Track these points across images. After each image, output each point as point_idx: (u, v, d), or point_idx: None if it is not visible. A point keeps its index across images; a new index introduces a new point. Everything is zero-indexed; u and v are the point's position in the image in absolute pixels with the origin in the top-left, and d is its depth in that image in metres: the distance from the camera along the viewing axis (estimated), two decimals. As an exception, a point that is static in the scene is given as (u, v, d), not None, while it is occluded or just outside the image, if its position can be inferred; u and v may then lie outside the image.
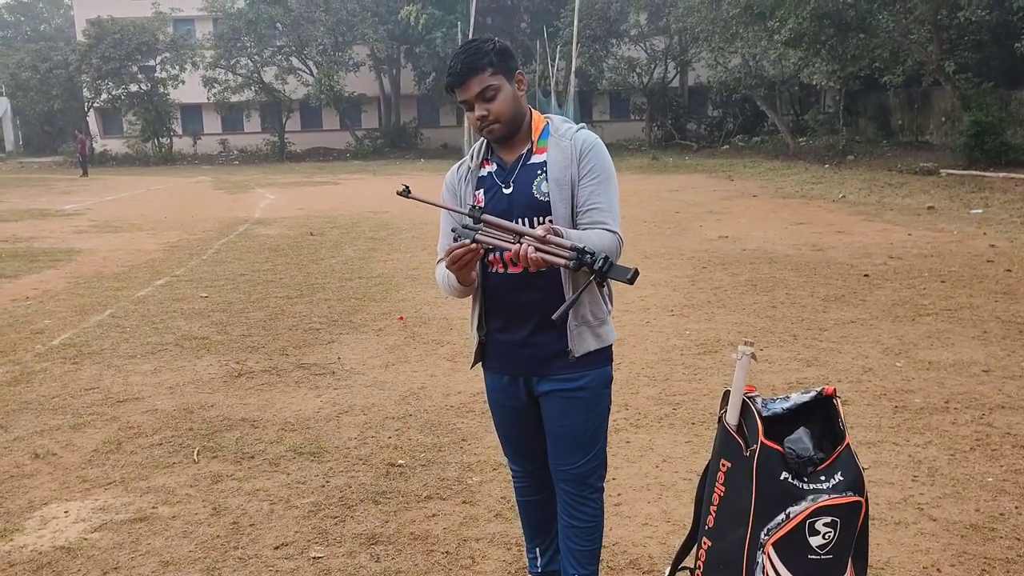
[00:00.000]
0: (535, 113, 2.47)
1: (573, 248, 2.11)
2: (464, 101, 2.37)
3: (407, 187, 2.27)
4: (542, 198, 2.37)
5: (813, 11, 20.59)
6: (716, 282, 8.10)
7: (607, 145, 2.49)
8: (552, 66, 34.09)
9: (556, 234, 2.16)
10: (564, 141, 2.41)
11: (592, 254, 2.09)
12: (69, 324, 7.17)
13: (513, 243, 2.16)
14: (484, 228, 2.21)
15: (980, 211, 12.64)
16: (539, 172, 2.39)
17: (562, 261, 2.12)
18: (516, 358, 2.50)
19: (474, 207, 2.24)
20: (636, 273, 2.10)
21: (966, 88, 20.41)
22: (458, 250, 2.21)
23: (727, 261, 9.21)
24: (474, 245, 2.21)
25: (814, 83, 26.03)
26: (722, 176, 21.27)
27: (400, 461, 4.08)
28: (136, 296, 8.33)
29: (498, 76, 2.35)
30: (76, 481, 3.96)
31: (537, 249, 2.12)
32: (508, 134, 2.41)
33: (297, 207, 17.19)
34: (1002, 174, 17.13)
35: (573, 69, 31.32)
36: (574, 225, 2.38)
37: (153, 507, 3.66)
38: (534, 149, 2.43)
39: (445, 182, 2.57)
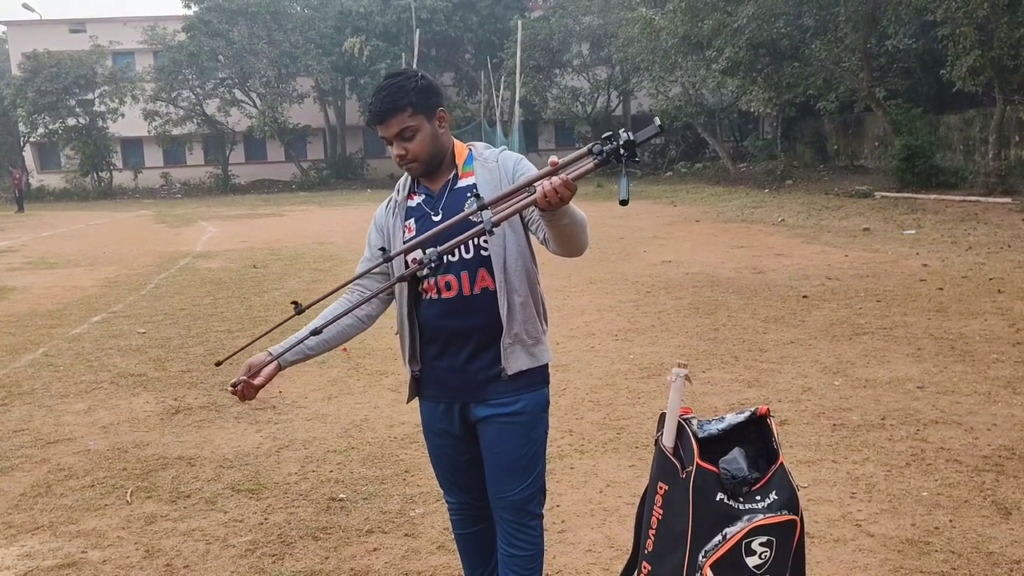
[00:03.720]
0: (458, 143, 2.49)
1: (589, 151, 2.03)
2: (384, 138, 2.39)
3: (297, 303, 2.31)
4: (476, 219, 2.37)
5: (748, 41, 21.15)
6: (660, 306, 8.18)
7: None
8: (497, 96, 34.45)
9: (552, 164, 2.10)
10: (490, 163, 2.44)
11: (609, 137, 2.01)
12: (-2, 364, 6.94)
13: (530, 195, 2.08)
14: (493, 211, 2.13)
15: (913, 232, 13.02)
16: (468, 195, 2.39)
17: (591, 164, 2.04)
18: (453, 384, 2.48)
19: (483, 206, 2.13)
20: (662, 125, 2.03)
21: (897, 113, 21.10)
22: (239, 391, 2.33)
23: (670, 285, 9.32)
24: (239, 388, 2.32)
25: (752, 110, 26.67)
26: (665, 202, 21.60)
27: (341, 495, 4.01)
28: (71, 334, 8.10)
29: (418, 116, 2.34)
30: (1, 527, 3.80)
31: (564, 183, 2.03)
32: (427, 171, 2.43)
33: (241, 240, 16.96)
34: (933, 196, 17.71)
35: (517, 99, 31.65)
36: (527, 233, 2.42)
37: (83, 552, 3.53)
38: (459, 174, 2.44)
39: (374, 218, 2.56)
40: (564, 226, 2.21)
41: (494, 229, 2.14)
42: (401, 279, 2.33)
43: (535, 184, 2.08)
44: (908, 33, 21.00)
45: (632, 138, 2.00)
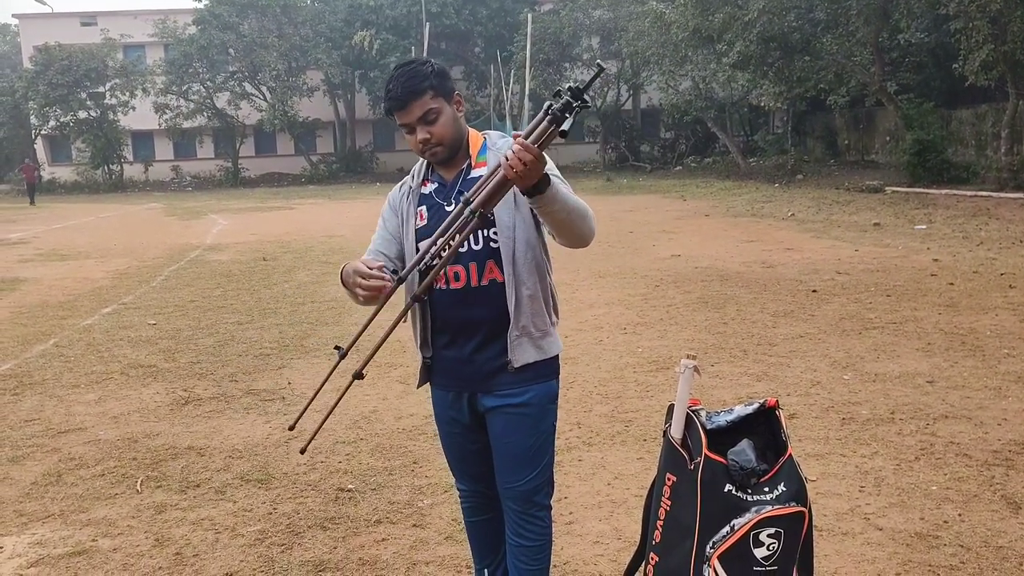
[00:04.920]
0: (472, 132, 2.47)
1: (545, 113, 2.01)
2: (405, 124, 2.35)
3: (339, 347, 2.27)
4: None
5: (759, 34, 21.06)
6: (668, 300, 8.17)
7: (562, 168, 2.47)
8: (506, 90, 34.38)
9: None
10: (502, 153, 2.41)
11: (557, 93, 2.00)
12: (10, 355, 6.97)
13: (500, 172, 2.06)
14: (471, 202, 2.13)
15: (924, 227, 12.95)
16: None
17: (544, 123, 2.01)
18: (461, 374, 2.49)
19: (467, 201, 2.14)
20: (603, 67, 2.06)
21: (908, 108, 20.99)
22: (373, 283, 2.17)
23: (679, 279, 9.30)
24: (386, 283, 2.17)
25: (763, 105, 26.56)
26: (675, 196, 21.55)
27: (350, 486, 4.02)
28: (81, 325, 8.14)
29: (439, 99, 2.33)
30: (12, 515, 3.83)
31: (522, 147, 2.00)
32: (450, 155, 2.40)
33: (250, 232, 17.01)
34: (944, 191, 17.61)
35: (527, 93, 31.58)
36: (539, 225, 2.39)
37: (93, 540, 3.55)
38: (473, 164, 2.42)
39: (388, 199, 2.56)
40: (556, 212, 2.18)
41: (486, 218, 2.14)
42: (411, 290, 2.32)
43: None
44: (920, 27, 20.86)
45: (578, 86, 2.00)
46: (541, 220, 2.29)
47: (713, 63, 24.72)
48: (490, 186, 2.11)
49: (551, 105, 2.01)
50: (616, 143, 37.23)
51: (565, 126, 1.99)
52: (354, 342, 2.26)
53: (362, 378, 2.21)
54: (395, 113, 2.35)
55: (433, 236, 2.28)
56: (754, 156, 30.61)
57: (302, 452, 2.47)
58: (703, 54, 25.30)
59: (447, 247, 2.33)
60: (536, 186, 2.10)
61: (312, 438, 2.31)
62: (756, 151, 31.48)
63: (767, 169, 26.79)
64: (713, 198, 20.48)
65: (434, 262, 2.25)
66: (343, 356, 2.25)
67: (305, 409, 2.39)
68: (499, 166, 2.08)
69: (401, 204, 2.50)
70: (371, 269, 2.19)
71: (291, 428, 2.47)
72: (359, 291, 2.19)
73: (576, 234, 2.28)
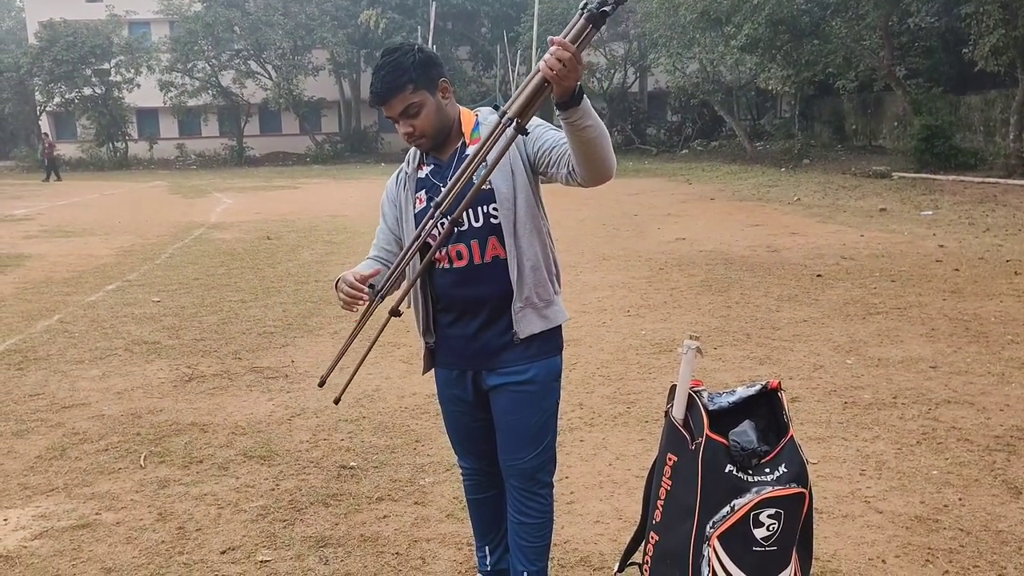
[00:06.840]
0: (464, 111, 2.45)
1: (581, 12, 1.92)
2: (389, 117, 2.37)
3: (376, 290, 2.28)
4: (484, 186, 2.35)
5: (768, 17, 20.90)
6: (672, 283, 8.16)
7: None
8: (513, 71, 34.20)
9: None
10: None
11: None
12: (15, 330, 7.00)
13: (537, 76, 1.97)
14: (525, 126, 2.06)
15: (930, 213, 12.90)
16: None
17: (587, 27, 1.93)
18: (466, 352, 2.49)
19: (503, 111, 2.05)
20: None
21: (917, 93, 20.85)
22: (351, 293, 2.26)
23: (684, 262, 9.29)
24: (363, 297, 2.26)
25: (770, 88, 26.40)
26: (681, 180, 21.48)
27: (352, 463, 4.04)
28: (86, 301, 8.16)
29: (420, 91, 2.30)
30: (17, 488, 3.86)
31: (560, 45, 1.92)
32: (436, 145, 2.40)
33: (255, 211, 17.00)
34: (951, 177, 17.53)
35: (533, 74, 31.39)
36: (537, 194, 2.39)
37: (96, 513, 3.58)
38: (467, 142, 2.42)
39: (385, 190, 2.56)
40: (590, 129, 2.07)
41: (525, 131, 2.07)
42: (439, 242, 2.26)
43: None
44: (930, 11, 20.69)
45: None
46: (568, 143, 2.17)
47: (721, 46, 24.57)
48: (527, 91, 2.01)
49: (587, 4, 1.92)
50: (622, 125, 37.03)
51: (607, 8, 1.90)
52: (402, 299, 2.27)
53: (399, 315, 2.23)
54: (378, 107, 2.36)
55: (472, 154, 2.17)
56: (761, 140, 30.48)
57: (336, 402, 2.47)
58: (711, 36, 25.13)
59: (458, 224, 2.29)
60: (572, 97, 2.00)
61: (345, 388, 2.38)
62: (763, 135, 31.34)
63: (774, 153, 26.68)
64: (719, 182, 20.41)
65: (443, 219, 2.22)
66: (382, 299, 2.28)
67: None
68: (536, 71, 1.98)
69: (399, 195, 2.51)
70: (356, 281, 2.28)
71: (321, 384, 2.48)
72: (340, 295, 2.31)
73: (603, 161, 2.16)
